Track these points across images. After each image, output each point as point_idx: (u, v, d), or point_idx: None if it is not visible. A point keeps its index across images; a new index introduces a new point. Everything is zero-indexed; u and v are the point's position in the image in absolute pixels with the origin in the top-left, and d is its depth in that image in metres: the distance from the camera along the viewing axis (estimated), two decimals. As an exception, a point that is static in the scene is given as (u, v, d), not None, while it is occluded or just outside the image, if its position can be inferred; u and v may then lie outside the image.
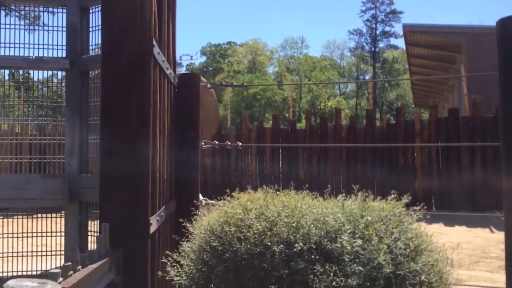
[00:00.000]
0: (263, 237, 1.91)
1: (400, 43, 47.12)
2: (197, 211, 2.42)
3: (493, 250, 7.04)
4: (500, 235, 6.95)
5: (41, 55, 3.92)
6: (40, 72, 4.45)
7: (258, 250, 1.89)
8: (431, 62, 20.41)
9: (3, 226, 4.47)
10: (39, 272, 4.11)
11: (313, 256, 1.83)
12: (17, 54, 3.94)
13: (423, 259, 1.92)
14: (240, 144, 4.37)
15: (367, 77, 48.63)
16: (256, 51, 47.95)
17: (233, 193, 2.30)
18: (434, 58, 19.70)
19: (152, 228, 2.26)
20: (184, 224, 2.32)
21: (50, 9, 4.04)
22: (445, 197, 11.35)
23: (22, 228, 4.39)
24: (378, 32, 48.65)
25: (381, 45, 49.12)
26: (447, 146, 11.43)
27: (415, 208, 2.18)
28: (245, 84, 8.41)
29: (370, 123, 12.41)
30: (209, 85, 4.15)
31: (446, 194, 11.33)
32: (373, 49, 48.45)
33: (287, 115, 28.96)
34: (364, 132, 12.25)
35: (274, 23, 77.95)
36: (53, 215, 4.30)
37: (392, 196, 2.20)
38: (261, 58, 47.96)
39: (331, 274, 1.74)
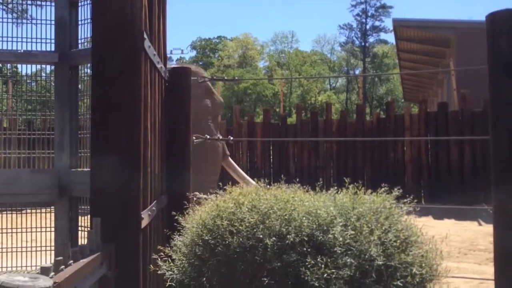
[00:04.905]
0: (255, 230, 1.91)
1: (390, 37, 47.42)
2: (189, 205, 2.41)
3: (481, 242, 7.13)
4: (488, 228, 7.05)
5: (29, 49, 3.87)
6: (28, 66, 4.40)
7: (250, 243, 1.90)
8: (421, 56, 20.52)
9: (-8, 221, 4.43)
10: (29, 268, 4.08)
11: (305, 249, 1.84)
12: (4, 47, 3.89)
13: (413, 251, 1.94)
14: (231, 138, 4.37)
15: (357, 72, 48.77)
16: (247, 45, 47.81)
17: (225, 187, 2.31)
18: (424, 53, 19.81)
19: (144, 223, 2.25)
20: (176, 218, 2.31)
21: (38, 3, 3.98)
22: (434, 190, 11.47)
23: (11, 224, 4.35)
24: (368, 26, 48.75)
25: (371, 39, 49.27)
26: (437, 140, 11.54)
27: (404, 200, 2.21)
28: (236, 78, 8.35)
29: (360, 117, 12.46)
30: (200, 79, 4.14)
31: (435, 187, 11.45)
32: (363, 43, 48.56)
33: (277, 109, 28.98)
34: (354, 126, 12.31)
35: (264, 17, 77.83)
36: (43, 210, 4.27)
37: (383, 189, 2.22)
38: (251, 53, 47.82)
39: (322, 266, 1.76)
